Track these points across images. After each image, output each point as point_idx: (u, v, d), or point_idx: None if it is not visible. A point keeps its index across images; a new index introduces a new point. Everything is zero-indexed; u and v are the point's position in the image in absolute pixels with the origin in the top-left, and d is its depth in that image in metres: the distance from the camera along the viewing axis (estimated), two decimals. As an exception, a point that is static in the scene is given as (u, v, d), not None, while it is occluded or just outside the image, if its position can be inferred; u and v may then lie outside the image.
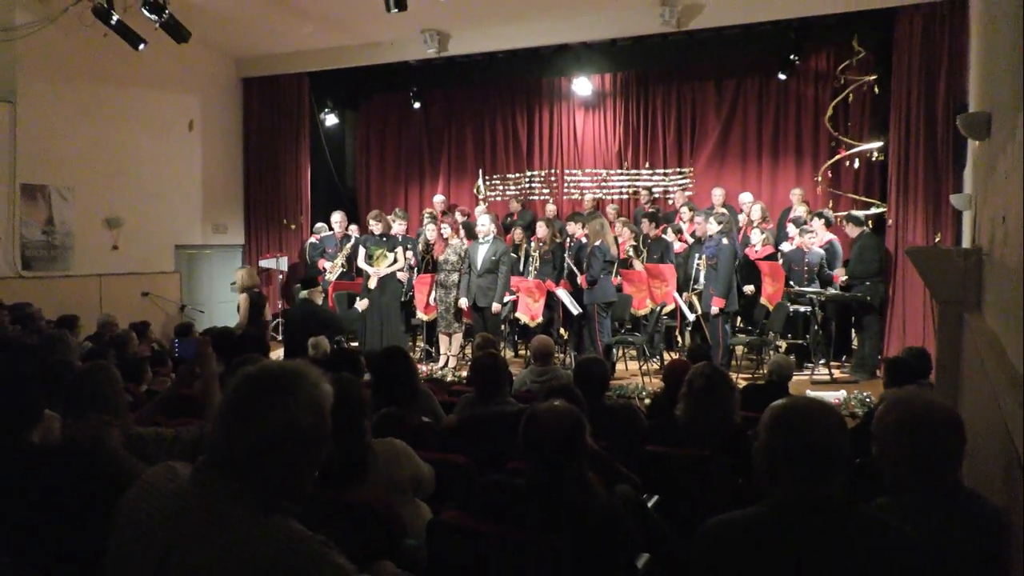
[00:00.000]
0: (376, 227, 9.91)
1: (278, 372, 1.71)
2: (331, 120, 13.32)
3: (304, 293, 9.42)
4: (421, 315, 10.18)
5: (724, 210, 10.21)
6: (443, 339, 9.92)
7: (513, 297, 9.80)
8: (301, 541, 1.61)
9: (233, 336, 6.57)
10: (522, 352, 10.34)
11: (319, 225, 11.77)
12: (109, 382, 2.95)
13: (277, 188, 12.61)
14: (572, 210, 11.65)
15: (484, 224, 9.70)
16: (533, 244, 10.20)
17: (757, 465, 2.00)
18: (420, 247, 10.38)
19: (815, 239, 9.57)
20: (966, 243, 7.93)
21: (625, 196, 12.52)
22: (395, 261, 9.87)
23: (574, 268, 9.69)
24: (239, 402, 1.68)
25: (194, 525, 1.62)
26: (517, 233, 10.39)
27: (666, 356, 9.89)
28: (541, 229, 10.19)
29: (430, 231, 10.42)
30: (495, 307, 9.49)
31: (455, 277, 9.79)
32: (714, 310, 9.03)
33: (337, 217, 11.31)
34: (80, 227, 10.65)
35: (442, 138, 13.63)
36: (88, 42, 9.88)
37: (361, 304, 9.58)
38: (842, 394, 7.99)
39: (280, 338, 10.89)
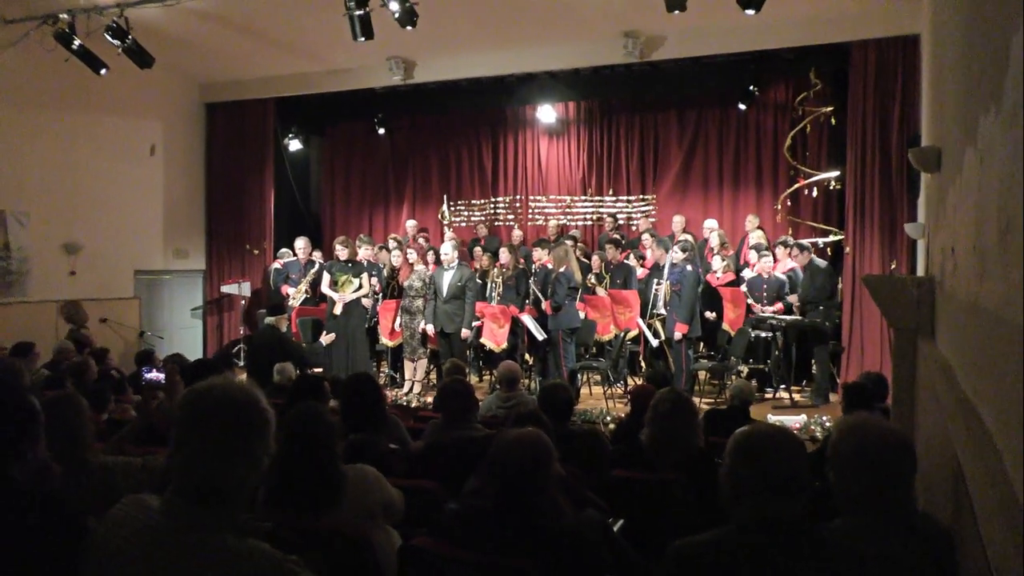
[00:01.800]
0: (342, 253, 9.92)
1: (246, 403, 1.75)
2: (295, 145, 13.33)
3: (270, 319, 9.37)
4: (385, 341, 10.18)
5: (688, 237, 10.38)
6: (408, 365, 9.93)
7: (479, 323, 9.85)
8: (276, 560, 1.65)
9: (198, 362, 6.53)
10: (487, 378, 10.37)
11: (283, 251, 11.76)
12: (75, 413, 2.93)
13: (240, 213, 12.57)
14: (537, 236, 11.76)
15: (448, 251, 9.77)
16: (496, 270, 10.27)
17: (722, 489, 2.07)
18: (385, 273, 10.40)
19: (771, 265, 9.78)
20: (920, 271, 8.16)
21: (589, 222, 12.68)
22: (360, 287, 9.88)
23: (539, 294, 9.77)
24: (220, 436, 1.72)
25: (172, 555, 1.64)
26: (483, 259, 10.47)
27: (630, 381, 9.99)
28: (504, 255, 10.28)
29: (395, 257, 10.45)
30: (464, 333, 9.53)
31: (419, 303, 9.82)
32: (677, 336, 9.16)
33: (301, 243, 11.33)
34: (37, 252, 10.50)
35: (407, 164, 13.72)
36: (49, 66, 9.81)
37: (327, 338, 9.55)
38: (802, 418, 8.14)
39: (243, 364, 10.81)
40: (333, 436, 2.83)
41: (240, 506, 1.74)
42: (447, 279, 9.66)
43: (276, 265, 11.56)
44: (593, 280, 10.09)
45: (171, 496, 1.71)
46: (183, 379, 3.80)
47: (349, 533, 2.53)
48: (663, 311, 9.71)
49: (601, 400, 9.46)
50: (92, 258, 11.07)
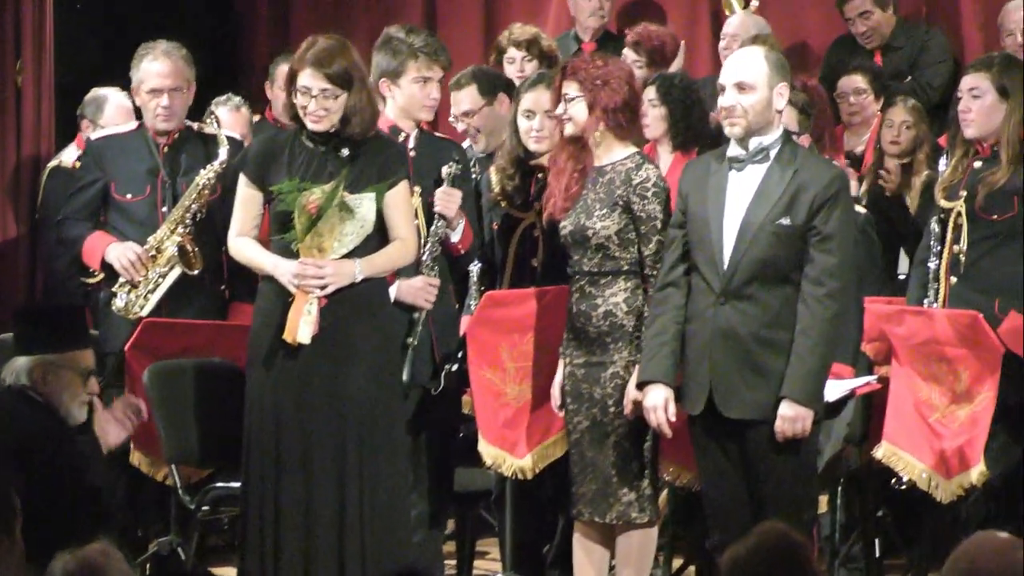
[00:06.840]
0: (323, 104, 2.54)
1: None
2: None
3: (22, 366, 2.43)
4: (494, 455, 2.81)
5: None
6: (586, 548, 2.71)
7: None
8: None
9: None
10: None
11: (97, 97, 3.89)
12: None
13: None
14: None
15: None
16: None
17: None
18: (494, 178, 3.00)
19: None
20: None
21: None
22: (369, 228, 2.61)
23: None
24: None
25: None
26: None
27: None
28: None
29: (527, 116, 2.92)
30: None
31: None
32: None
33: (160, 67, 3.32)
34: None
35: None
36: None
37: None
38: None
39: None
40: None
41: None
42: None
43: (68, 157, 3.63)
44: None
45: None
46: None
47: None
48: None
49: None
50: None
